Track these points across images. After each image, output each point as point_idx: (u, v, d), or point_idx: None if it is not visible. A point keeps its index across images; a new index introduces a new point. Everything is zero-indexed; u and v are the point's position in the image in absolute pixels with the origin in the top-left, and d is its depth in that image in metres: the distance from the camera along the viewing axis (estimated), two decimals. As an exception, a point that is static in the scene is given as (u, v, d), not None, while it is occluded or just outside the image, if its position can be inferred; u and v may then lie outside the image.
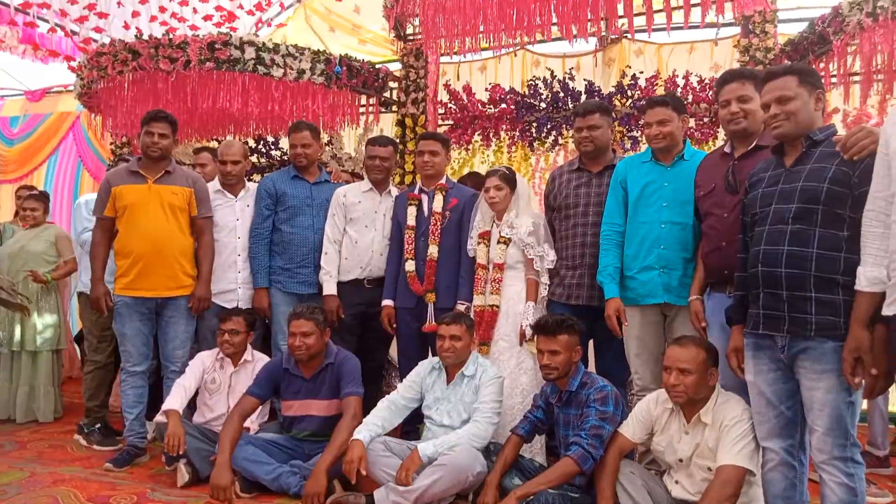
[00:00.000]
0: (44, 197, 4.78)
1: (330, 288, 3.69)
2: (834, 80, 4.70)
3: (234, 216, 3.74)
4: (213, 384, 3.46)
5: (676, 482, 2.59)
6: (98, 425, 3.83)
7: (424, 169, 3.69)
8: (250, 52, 5.35)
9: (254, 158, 7.06)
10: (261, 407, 3.38)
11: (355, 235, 3.73)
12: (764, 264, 2.25)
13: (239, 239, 3.73)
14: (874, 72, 4.42)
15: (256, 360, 3.52)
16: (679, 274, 2.97)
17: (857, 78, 4.65)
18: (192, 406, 3.51)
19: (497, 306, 3.36)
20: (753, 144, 2.71)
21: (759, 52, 4.79)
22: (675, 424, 2.61)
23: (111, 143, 6.59)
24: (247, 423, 3.30)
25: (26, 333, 4.29)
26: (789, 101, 2.25)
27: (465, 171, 5.96)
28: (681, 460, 2.57)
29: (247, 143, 6.88)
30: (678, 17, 4.45)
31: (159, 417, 3.20)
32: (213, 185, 3.78)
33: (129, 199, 3.44)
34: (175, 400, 3.23)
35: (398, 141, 5.95)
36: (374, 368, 3.89)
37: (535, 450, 3.18)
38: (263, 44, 5.45)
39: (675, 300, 2.98)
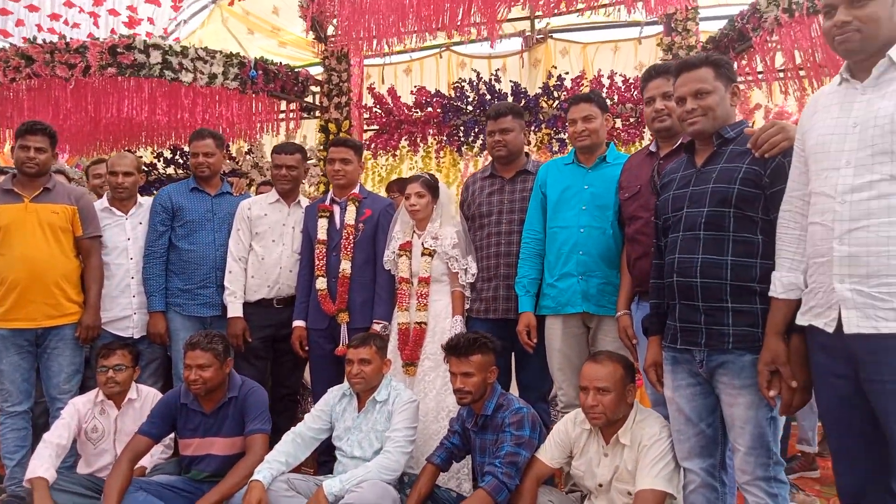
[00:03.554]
0: None
1: (235, 310, 3.40)
2: (760, 75, 4.67)
3: (124, 235, 3.42)
4: (94, 433, 3.08)
5: (598, 508, 2.43)
6: (-22, 473, 3.45)
7: (335, 178, 3.45)
8: (156, 56, 5.03)
9: (170, 170, 6.70)
10: (161, 445, 3.08)
11: (262, 251, 3.46)
12: (679, 274, 2.11)
13: (131, 260, 3.41)
14: (795, 68, 4.41)
15: (144, 397, 3.17)
16: (598, 281, 2.82)
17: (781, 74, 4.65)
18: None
19: (424, 323, 3.16)
20: (679, 143, 2.56)
21: (682, 51, 4.74)
22: (594, 446, 2.44)
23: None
24: (143, 462, 2.99)
25: None
26: (707, 96, 2.11)
27: (393, 177, 5.76)
28: (601, 485, 2.40)
29: (161, 153, 6.52)
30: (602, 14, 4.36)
31: (26, 485, 2.81)
32: (101, 203, 3.44)
33: (4, 220, 3.11)
34: (41, 464, 2.76)
35: (321, 147, 5.70)
36: (289, 395, 3.62)
37: (461, 475, 2.98)
38: (170, 47, 5.14)
39: (594, 309, 2.83)
